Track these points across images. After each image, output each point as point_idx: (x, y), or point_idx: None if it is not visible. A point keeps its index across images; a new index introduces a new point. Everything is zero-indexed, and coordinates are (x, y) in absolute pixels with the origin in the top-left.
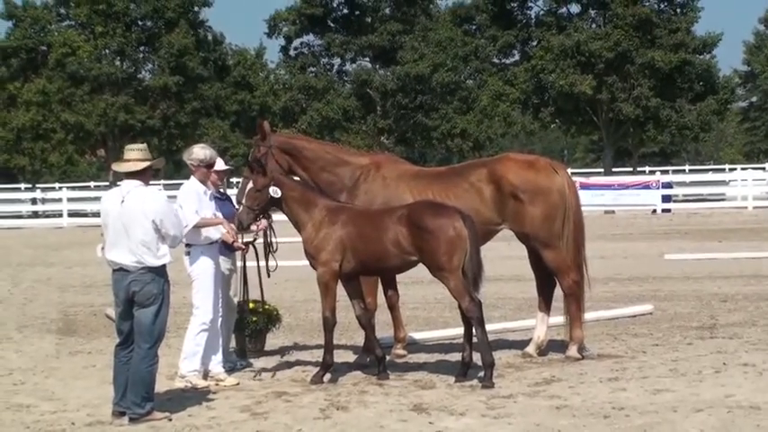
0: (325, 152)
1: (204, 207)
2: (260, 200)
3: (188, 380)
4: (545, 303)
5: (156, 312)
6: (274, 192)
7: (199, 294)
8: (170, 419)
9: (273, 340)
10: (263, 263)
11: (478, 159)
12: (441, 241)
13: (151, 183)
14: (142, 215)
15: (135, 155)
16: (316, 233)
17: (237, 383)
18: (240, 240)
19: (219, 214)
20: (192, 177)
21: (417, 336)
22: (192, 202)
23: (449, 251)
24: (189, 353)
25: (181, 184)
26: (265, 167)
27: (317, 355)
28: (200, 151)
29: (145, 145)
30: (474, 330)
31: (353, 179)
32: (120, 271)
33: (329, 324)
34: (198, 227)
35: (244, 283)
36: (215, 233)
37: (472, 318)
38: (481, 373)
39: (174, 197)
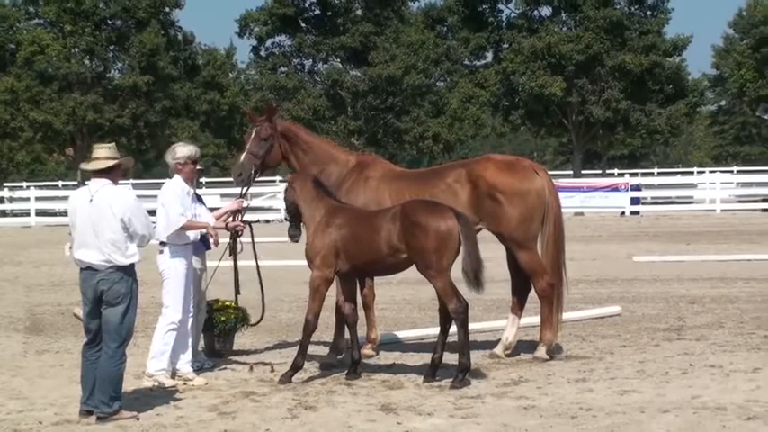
0: (318, 147)
1: (187, 207)
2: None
3: (155, 379)
4: (518, 305)
5: (124, 311)
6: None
7: (169, 293)
8: (137, 419)
9: (241, 340)
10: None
11: (460, 161)
12: (431, 239)
13: (120, 182)
14: (111, 214)
15: (103, 153)
16: (315, 237)
17: (206, 383)
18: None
19: (202, 212)
20: (175, 177)
21: (401, 334)
22: (177, 203)
23: (439, 249)
24: (157, 352)
25: (151, 183)
26: (271, 147)
27: (286, 355)
28: (183, 149)
29: (113, 144)
30: (457, 332)
31: (339, 177)
32: (87, 270)
33: (310, 327)
34: (184, 229)
35: (236, 280)
36: (193, 234)
37: (457, 319)
38: (449, 374)
39: (146, 197)
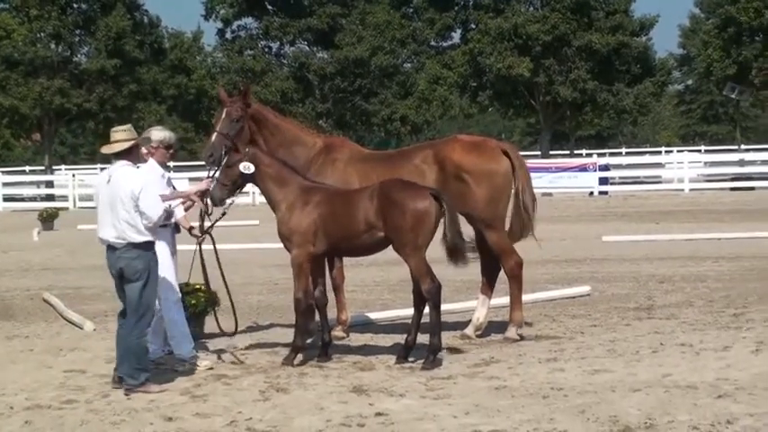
0: (286, 129)
1: (162, 191)
2: (232, 175)
3: (192, 363)
4: (488, 286)
5: (141, 288)
6: (245, 168)
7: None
8: (164, 390)
9: (212, 324)
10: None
11: (428, 141)
12: (408, 217)
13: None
14: (123, 192)
15: (120, 136)
16: (290, 214)
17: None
18: (197, 227)
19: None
20: (150, 160)
21: (372, 316)
22: (156, 187)
23: (415, 228)
24: (177, 334)
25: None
26: (242, 129)
27: (256, 338)
28: (158, 133)
29: (129, 125)
30: (429, 313)
31: (307, 159)
32: (109, 248)
33: (301, 306)
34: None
35: (202, 267)
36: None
37: (430, 300)
38: (420, 355)
39: None
